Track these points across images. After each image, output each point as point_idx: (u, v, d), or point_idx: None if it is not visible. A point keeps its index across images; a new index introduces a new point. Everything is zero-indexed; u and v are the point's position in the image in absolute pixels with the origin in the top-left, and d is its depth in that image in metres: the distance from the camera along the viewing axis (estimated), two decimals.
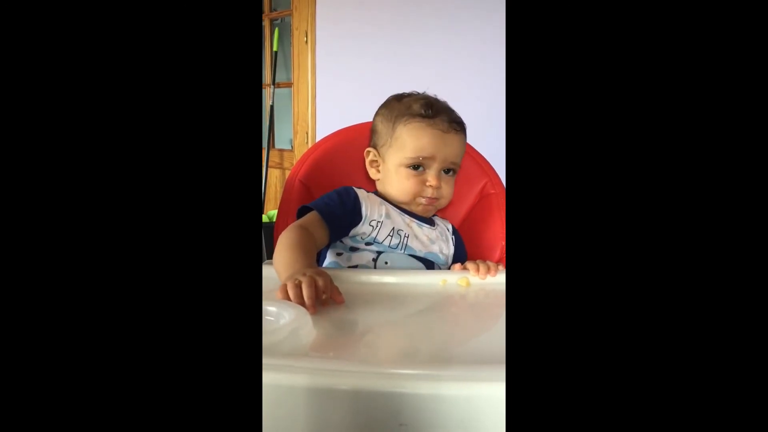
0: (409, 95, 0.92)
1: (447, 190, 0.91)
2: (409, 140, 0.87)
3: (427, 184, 0.88)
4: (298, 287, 0.57)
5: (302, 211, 0.83)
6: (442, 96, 0.94)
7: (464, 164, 1.03)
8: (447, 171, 0.90)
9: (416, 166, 0.88)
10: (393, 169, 0.90)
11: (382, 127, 0.92)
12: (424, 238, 0.90)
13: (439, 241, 0.92)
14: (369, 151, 0.95)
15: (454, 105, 0.93)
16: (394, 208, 0.90)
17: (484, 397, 0.38)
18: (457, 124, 0.89)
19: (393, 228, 0.87)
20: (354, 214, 0.85)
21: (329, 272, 0.65)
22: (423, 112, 0.87)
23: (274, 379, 0.38)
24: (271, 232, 0.95)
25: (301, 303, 0.55)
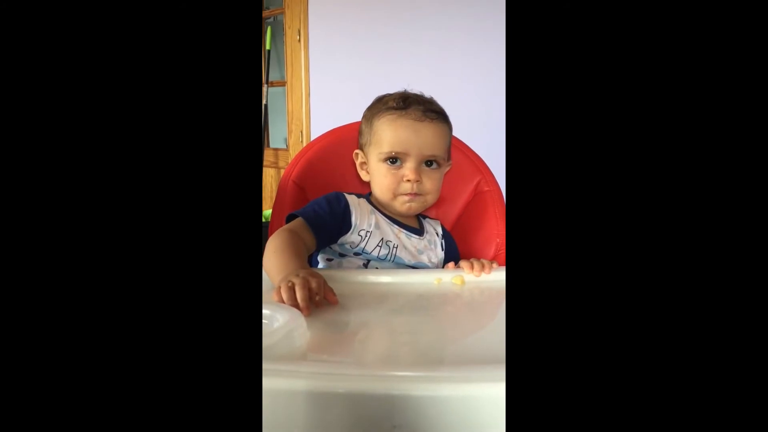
0: (390, 94, 0.91)
1: (430, 185, 0.87)
2: (383, 134, 0.86)
3: (405, 179, 0.86)
4: (292, 289, 0.56)
5: (290, 219, 0.82)
6: (438, 94, 0.93)
7: (458, 161, 1.03)
8: (429, 164, 0.87)
9: (393, 160, 0.86)
10: (374, 166, 0.89)
11: (364, 127, 0.92)
12: (413, 249, 0.89)
13: (427, 250, 0.91)
14: (357, 154, 0.94)
15: (449, 103, 0.93)
16: (384, 218, 0.89)
17: (483, 397, 0.38)
18: (433, 113, 0.86)
19: (382, 239, 0.86)
20: (343, 222, 0.84)
21: (322, 273, 0.65)
22: (395, 105, 0.86)
23: (269, 383, 0.38)
24: (266, 232, 0.95)
25: (295, 305, 0.55)
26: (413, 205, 0.88)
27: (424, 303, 0.65)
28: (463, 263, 0.77)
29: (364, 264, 0.85)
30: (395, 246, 0.87)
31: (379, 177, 0.88)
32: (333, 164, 1.04)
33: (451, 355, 0.50)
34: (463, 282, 0.73)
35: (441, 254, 0.94)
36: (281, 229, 0.77)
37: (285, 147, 2.78)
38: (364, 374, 0.40)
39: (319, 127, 2.35)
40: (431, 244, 0.93)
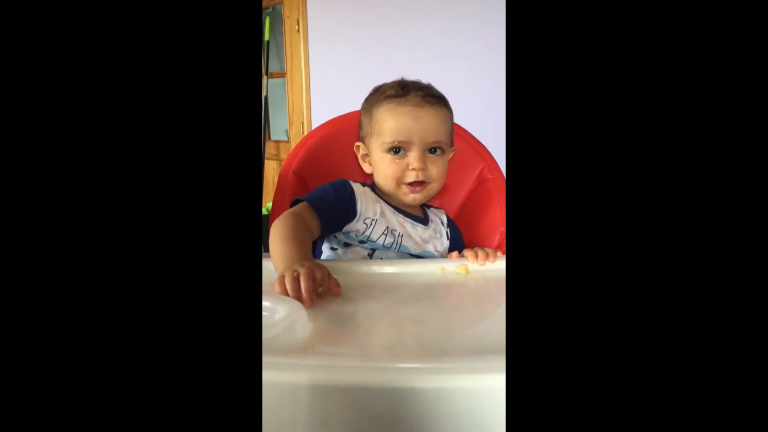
0: (388, 83, 0.89)
1: (435, 171, 0.85)
2: (384, 123, 0.85)
3: (410, 167, 0.84)
4: (296, 280, 0.56)
5: (295, 204, 0.81)
6: (440, 82, 0.91)
7: (461, 149, 1.02)
8: (433, 151, 0.85)
9: (396, 150, 0.85)
10: (377, 157, 0.88)
11: (364, 118, 0.91)
12: (418, 238, 0.88)
13: (433, 239, 0.90)
14: (358, 146, 0.93)
15: (452, 91, 0.91)
16: (389, 207, 0.88)
17: (489, 388, 0.37)
18: (433, 98, 0.85)
19: (387, 227, 0.85)
20: (349, 209, 0.83)
21: (326, 264, 0.64)
22: (394, 93, 0.85)
23: (271, 376, 0.37)
24: (267, 224, 0.94)
25: (298, 296, 0.54)
26: (418, 196, 0.87)
27: (428, 293, 0.64)
28: (467, 252, 0.76)
29: (369, 254, 0.84)
30: (400, 235, 0.86)
31: (382, 167, 0.87)
32: (334, 154, 1.03)
33: (455, 346, 0.49)
34: (467, 271, 0.72)
35: (447, 243, 0.93)
36: (286, 212, 0.76)
37: (286, 139, 2.77)
38: (367, 366, 0.40)
39: (320, 118, 2.33)
40: (437, 233, 0.92)
